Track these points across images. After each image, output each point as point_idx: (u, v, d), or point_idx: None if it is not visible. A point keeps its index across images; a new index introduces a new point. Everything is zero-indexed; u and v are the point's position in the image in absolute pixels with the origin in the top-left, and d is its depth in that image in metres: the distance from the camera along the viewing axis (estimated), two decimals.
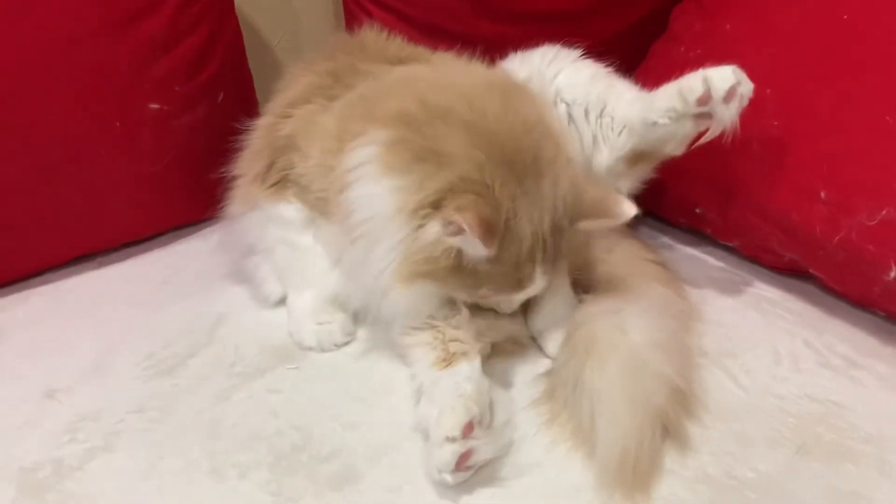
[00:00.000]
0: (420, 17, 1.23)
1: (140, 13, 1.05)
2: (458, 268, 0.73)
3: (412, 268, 0.73)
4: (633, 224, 0.87)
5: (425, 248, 0.72)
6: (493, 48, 1.03)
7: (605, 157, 0.94)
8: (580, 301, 0.85)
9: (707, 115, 0.84)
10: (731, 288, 0.96)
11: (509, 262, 0.73)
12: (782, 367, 0.81)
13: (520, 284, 0.76)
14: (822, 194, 0.85)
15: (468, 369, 0.76)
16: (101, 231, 1.10)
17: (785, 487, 0.66)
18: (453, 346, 0.78)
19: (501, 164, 0.72)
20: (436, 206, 0.71)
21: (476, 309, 0.82)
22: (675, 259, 1.00)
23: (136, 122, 1.07)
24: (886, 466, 0.68)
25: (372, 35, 1.03)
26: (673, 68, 0.88)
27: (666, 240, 1.09)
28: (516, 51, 1.04)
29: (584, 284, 0.87)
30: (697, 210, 1.03)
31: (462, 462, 0.66)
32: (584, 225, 0.77)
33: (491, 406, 0.75)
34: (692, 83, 0.83)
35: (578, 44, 1.02)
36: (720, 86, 0.82)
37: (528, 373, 0.82)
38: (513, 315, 0.84)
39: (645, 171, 0.97)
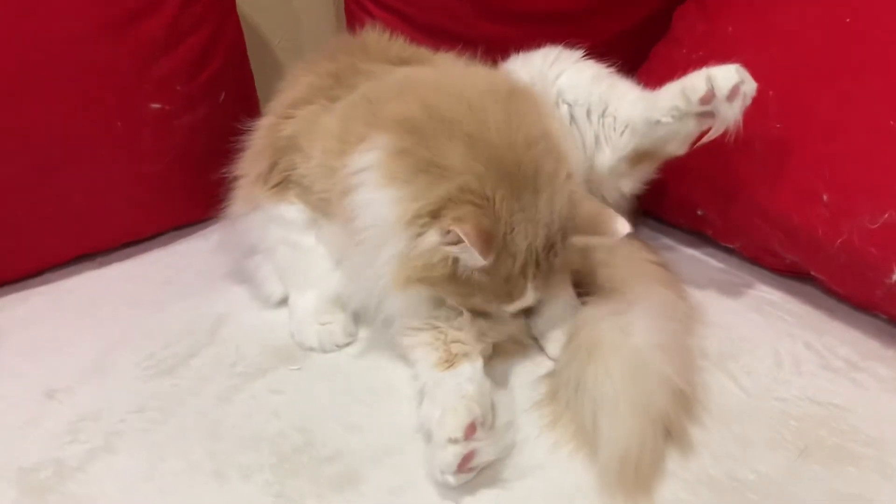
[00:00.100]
0: (421, 18, 1.23)
1: (141, 13, 1.05)
2: (453, 276, 0.74)
3: (409, 273, 0.74)
4: (634, 225, 0.87)
5: (423, 255, 0.73)
6: (495, 49, 1.04)
7: (607, 157, 0.95)
8: (582, 303, 0.85)
9: (710, 114, 0.84)
10: (733, 290, 0.96)
11: (502, 275, 0.74)
12: (783, 369, 0.81)
13: (510, 297, 0.77)
14: (824, 196, 0.85)
15: (470, 370, 0.76)
16: (102, 231, 1.10)
17: (786, 490, 0.66)
18: (455, 347, 0.78)
19: (501, 177, 0.72)
20: (435, 215, 0.72)
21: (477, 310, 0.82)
22: (676, 260, 1.00)
23: (137, 121, 1.07)
24: (888, 469, 0.68)
25: (373, 36, 1.04)
26: (675, 70, 0.88)
27: (667, 241, 1.09)
28: (518, 51, 1.04)
29: (585, 286, 0.87)
30: (699, 212, 1.03)
31: (465, 463, 0.66)
32: (578, 240, 0.78)
33: (493, 407, 0.75)
34: (695, 82, 0.83)
35: (580, 45, 1.02)
36: (723, 84, 0.82)
37: (530, 374, 0.82)
38: (514, 316, 0.84)
39: (647, 172, 0.97)
